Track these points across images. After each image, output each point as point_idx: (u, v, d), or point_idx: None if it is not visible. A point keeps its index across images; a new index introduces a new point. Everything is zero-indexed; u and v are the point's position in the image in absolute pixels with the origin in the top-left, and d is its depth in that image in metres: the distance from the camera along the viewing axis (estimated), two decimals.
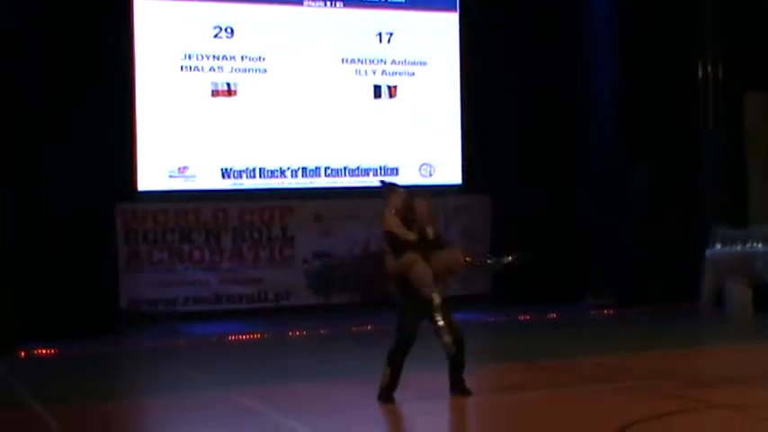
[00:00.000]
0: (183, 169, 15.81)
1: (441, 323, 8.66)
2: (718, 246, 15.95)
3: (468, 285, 16.43)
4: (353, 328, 14.44)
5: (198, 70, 15.92)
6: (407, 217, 8.87)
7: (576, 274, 16.71)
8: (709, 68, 16.94)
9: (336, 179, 16.64)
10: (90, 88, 14.54)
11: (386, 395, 8.89)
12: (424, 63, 17.17)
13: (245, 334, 14.11)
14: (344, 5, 16.77)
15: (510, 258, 9.11)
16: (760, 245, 15.50)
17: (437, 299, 8.69)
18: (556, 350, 12.13)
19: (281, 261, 16.25)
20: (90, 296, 14.27)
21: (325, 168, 16.55)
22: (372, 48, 16.89)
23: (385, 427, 8.53)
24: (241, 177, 16.11)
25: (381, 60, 16.94)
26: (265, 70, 16.25)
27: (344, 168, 16.65)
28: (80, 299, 14.16)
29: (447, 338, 8.67)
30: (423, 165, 17.03)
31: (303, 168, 16.42)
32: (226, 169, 16.05)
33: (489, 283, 16.91)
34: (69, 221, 14.34)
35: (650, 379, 9.84)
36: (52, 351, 13.02)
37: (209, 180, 15.96)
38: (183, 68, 15.85)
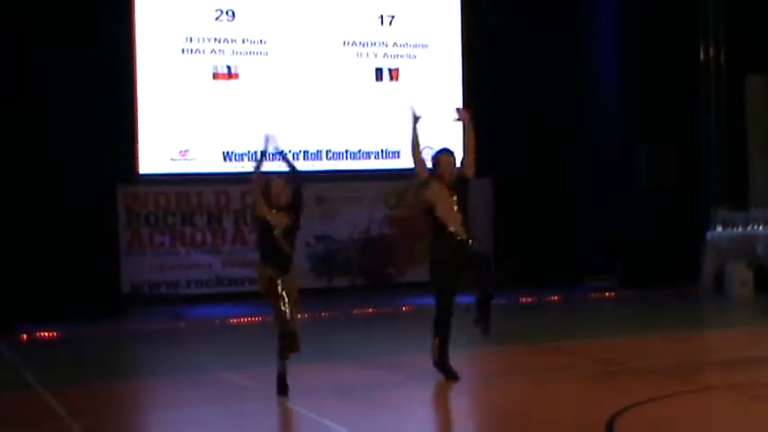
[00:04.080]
0: (184, 152, 15.81)
1: None
2: (719, 228, 15.97)
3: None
4: (355, 311, 14.47)
5: (199, 53, 15.89)
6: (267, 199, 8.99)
7: (578, 257, 16.73)
8: (711, 51, 16.91)
9: (338, 162, 16.64)
10: (91, 71, 14.54)
11: (442, 367, 9.02)
12: (426, 46, 17.14)
13: (247, 317, 14.12)
14: None
15: None
16: (760, 227, 15.51)
17: None
18: (557, 333, 12.14)
19: None
20: (91, 279, 14.31)
21: (327, 151, 16.54)
22: (374, 30, 16.85)
23: (384, 407, 8.53)
24: (242, 160, 16.09)
25: (383, 43, 16.91)
26: (267, 53, 16.22)
27: (346, 152, 16.64)
28: (81, 282, 14.20)
29: None
30: (424, 148, 16.87)
31: (305, 152, 16.39)
32: (227, 152, 16.05)
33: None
34: (71, 204, 14.36)
35: (651, 360, 9.87)
36: (54, 334, 13.06)
37: (210, 163, 15.96)
38: (185, 51, 15.83)
